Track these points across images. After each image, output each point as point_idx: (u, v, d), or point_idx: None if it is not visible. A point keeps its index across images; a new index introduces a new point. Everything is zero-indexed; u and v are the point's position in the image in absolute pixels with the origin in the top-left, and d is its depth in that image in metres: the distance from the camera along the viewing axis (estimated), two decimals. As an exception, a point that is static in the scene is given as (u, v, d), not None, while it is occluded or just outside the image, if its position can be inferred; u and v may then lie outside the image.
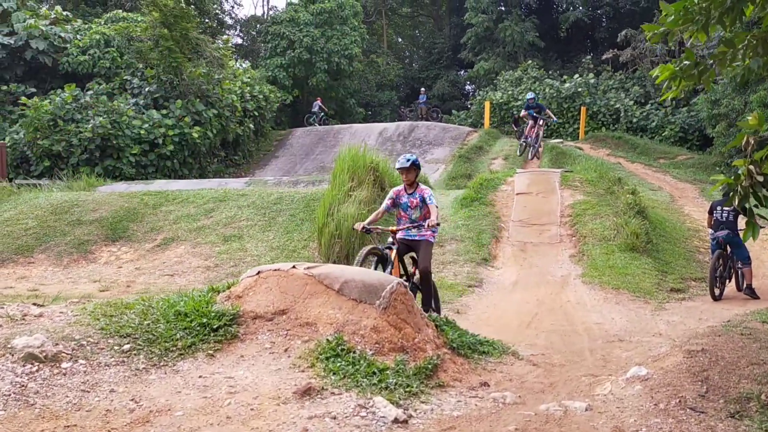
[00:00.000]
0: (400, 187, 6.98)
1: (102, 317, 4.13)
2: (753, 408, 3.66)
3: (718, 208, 9.77)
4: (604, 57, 30.93)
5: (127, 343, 3.90)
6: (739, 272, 9.74)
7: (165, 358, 3.86)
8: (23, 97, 20.92)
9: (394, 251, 6.45)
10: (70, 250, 12.19)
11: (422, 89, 34.25)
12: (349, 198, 11.80)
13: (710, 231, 10.10)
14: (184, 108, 22.64)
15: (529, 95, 20.56)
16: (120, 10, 28.66)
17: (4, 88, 22.86)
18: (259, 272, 4.66)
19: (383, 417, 3.42)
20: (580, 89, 28.94)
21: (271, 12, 42.73)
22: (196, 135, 22.21)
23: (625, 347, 6.19)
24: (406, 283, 4.70)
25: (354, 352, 4.02)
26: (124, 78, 24.06)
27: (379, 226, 6.93)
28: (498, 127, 29.83)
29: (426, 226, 6.54)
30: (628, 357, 5.39)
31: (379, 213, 6.91)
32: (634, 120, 27.44)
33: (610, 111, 28.26)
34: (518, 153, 21.28)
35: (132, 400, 3.46)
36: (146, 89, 23.22)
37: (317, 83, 35.33)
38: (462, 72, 42.47)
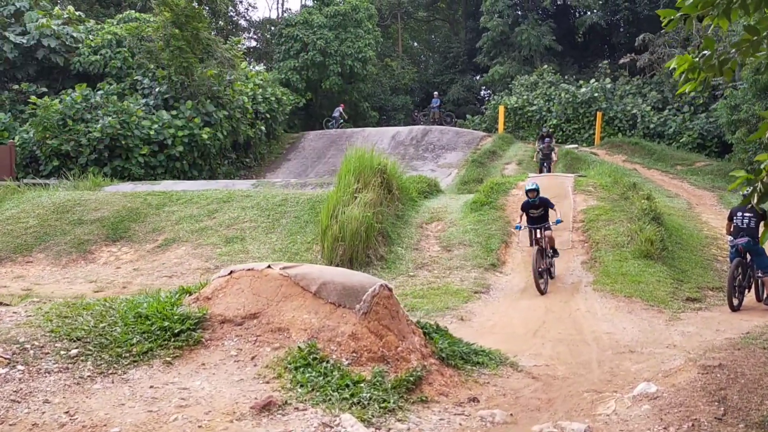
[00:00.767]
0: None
1: (55, 318, 3.80)
2: (777, 432, 3.24)
3: (739, 213, 9.30)
4: (621, 62, 30.38)
5: (76, 348, 3.54)
6: (759, 281, 9.25)
7: (115, 366, 3.49)
8: (33, 97, 20.82)
9: None
10: (70, 250, 11.97)
11: (435, 93, 33.90)
12: (354, 200, 11.47)
13: (729, 238, 9.62)
14: (194, 109, 22.45)
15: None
16: (133, 11, 28.61)
17: (16, 87, 22.82)
18: (231, 272, 4.28)
19: (348, 438, 3.02)
20: (596, 94, 28.44)
21: (285, 14, 42.57)
22: (205, 136, 22.00)
23: (636, 359, 5.78)
24: (391, 286, 4.32)
25: (327, 362, 3.62)
26: (135, 78, 23.95)
27: None
28: (512, 131, 29.41)
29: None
30: (638, 370, 4.98)
31: None
32: (651, 126, 26.88)
33: (627, 116, 27.74)
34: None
35: (66, 413, 3.10)
36: (156, 90, 23.07)
37: (330, 86, 35.08)
38: (477, 77, 42.07)
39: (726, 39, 15.70)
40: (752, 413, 3.45)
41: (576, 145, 26.45)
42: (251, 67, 30.68)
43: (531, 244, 10.35)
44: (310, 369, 3.51)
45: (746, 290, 9.31)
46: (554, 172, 20.27)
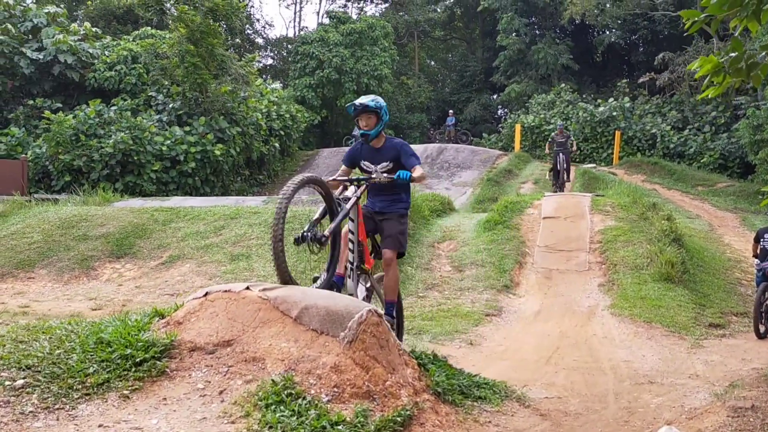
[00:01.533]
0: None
1: (9, 343, 3.45)
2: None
3: (766, 235, 8.85)
4: (640, 81, 29.99)
5: (23, 378, 3.16)
6: (788, 308, 8.76)
7: (64, 399, 3.09)
8: (47, 112, 20.81)
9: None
10: (73, 266, 11.73)
11: (450, 111, 33.63)
12: (362, 217, 11.11)
13: (756, 261, 9.16)
14: (207, 125, 22.33)
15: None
16: (149, 27, 28.73)
17: (31, 102, 22.87)
18: (206, 294, 3.90)
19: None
20: (615, 113, 27.98)
21: (301, 32, 42.70)
22: (218, 152, 21.85)
23: (656, 391, 5.35)
24: (381, 312, 3.93)
25: (304, 398, 3.18)
26: (149, 94, 23.94)
27: None
28: (529, 150, 29.01)
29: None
30: (658, 406, 4.55)
31: None
32: (671, 146, 26.36)
33: (646, 136, 27.23)
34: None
35: (-5, 456, 2.75)
36: (170, 105, 23.02)
37: (346, 104, 34.96)
38: (494, 95, 41.81)
39: (754, 42, 15.17)
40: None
41: (594, 165, 25.99)
42: (267, 84, 30.61)
43: None
44: (283, 407, 3.05)
45: (774, 316, 8.82)
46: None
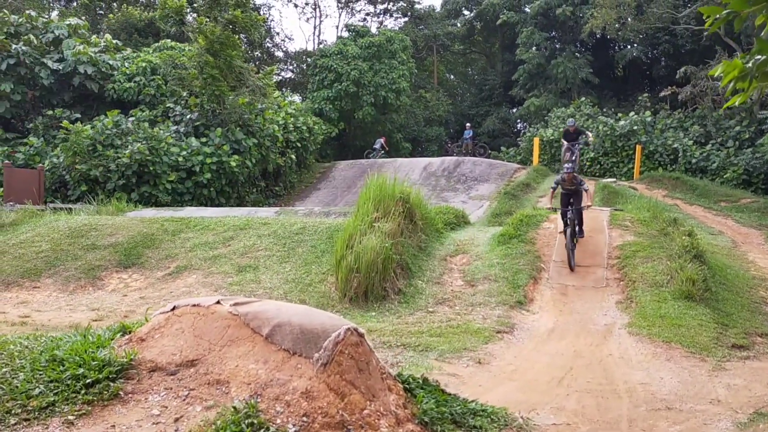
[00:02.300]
0: None
1: (-41, 359, 3.23)
2: None
3: (790, 253, 8.45)
4: (662, 95, 29.47)
5: None
6: (816, 329, 8.34)
7: (0, 426, 2.87)
8: (65, 122, 20.90)
9: None
10: (79, 276, 11.61)
11: (467, 124, 33.36)
12: (372, 229, 10.88)
13: (780, 280, 8.75)
14: (224, 136, 22.31)
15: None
16: (169, 40, 28.91)
17: (50, 113, 23.02)
18: (174, 308, 3.62)
19: None
20: (635, 127, 27.50)
21: (320, 45, 42.79)
22: (234, 164, 21.79)
23: (674, 419, 5.01)
24: (362, 331, 3.58)
25: (267, 429, 2.84)
26: (168, 105, 24.01)
27: None
28: (548, 164, 28.63)
29: None
30: (676, 434, 4.22)
31: None
32: (694, 160, 25.79)
33: (668, 151, 26.69)
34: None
35: None
36: (188, 117, 23.04)
37: (364, 116, 34.86)
38: (513, 109, 41.49)
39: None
40: None
41: (614, 179, 25.50)
42: (285, 97, 30.61)
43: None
44: (241, 439, 2.78)
45: (801, 338, 8.40)
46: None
